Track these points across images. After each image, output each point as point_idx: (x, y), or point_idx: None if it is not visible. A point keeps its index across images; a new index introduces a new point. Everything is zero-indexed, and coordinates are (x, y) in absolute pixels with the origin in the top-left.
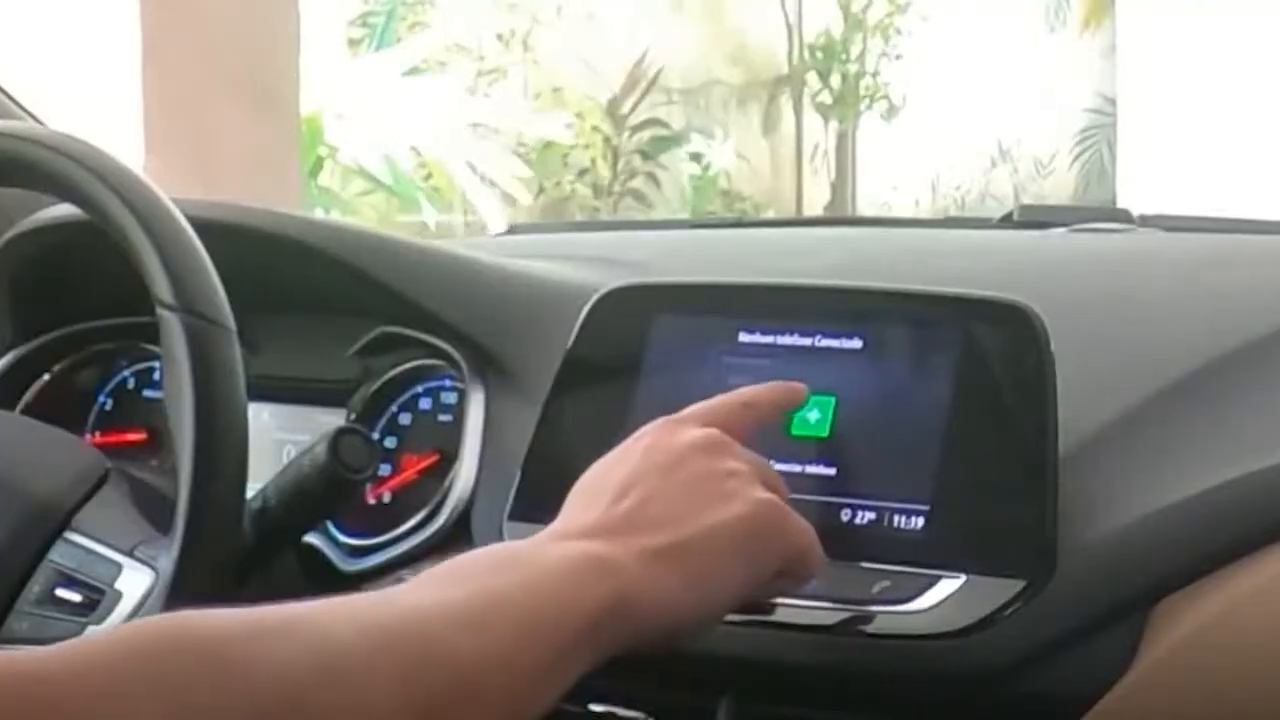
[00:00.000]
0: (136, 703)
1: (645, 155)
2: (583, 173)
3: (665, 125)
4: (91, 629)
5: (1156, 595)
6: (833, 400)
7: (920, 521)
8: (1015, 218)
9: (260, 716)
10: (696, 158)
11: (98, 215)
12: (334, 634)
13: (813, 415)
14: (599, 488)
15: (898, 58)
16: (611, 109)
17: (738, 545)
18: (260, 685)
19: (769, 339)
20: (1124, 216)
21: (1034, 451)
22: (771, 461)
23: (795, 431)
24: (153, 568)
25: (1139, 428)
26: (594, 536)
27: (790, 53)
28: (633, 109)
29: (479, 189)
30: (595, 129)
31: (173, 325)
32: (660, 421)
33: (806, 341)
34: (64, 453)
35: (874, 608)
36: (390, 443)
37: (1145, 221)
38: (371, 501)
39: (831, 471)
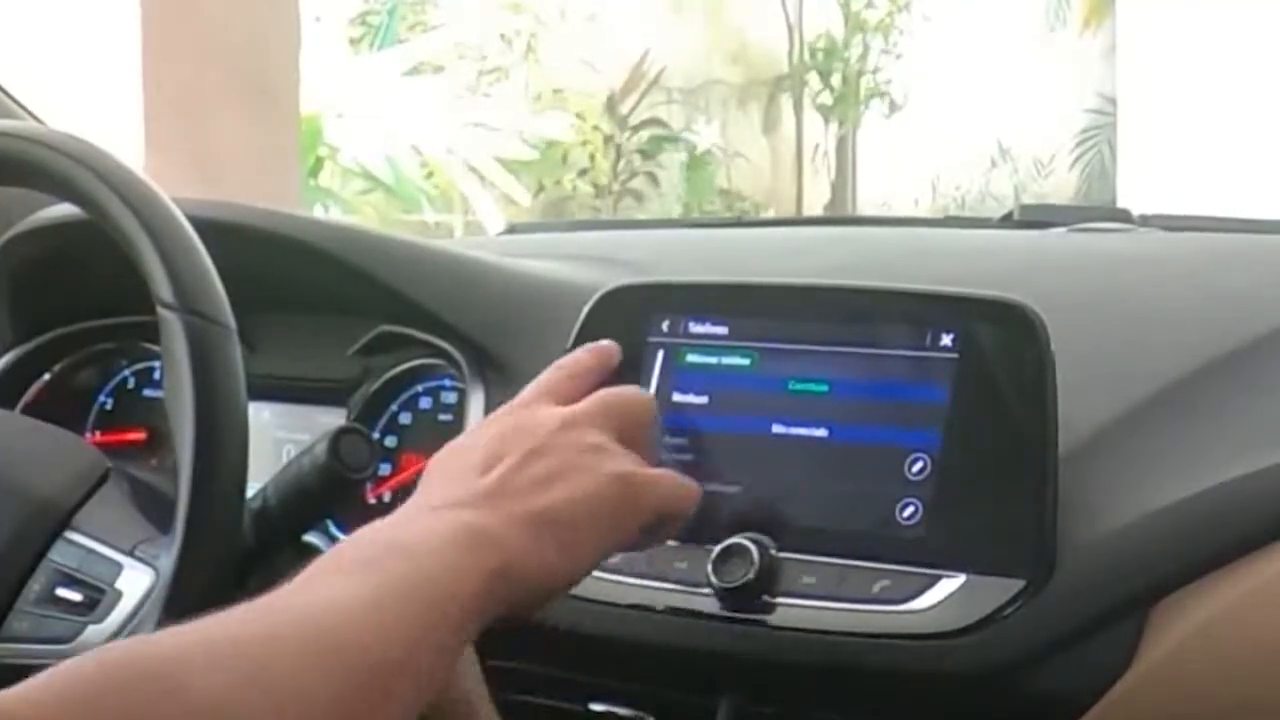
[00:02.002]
0: None
1: (645, 155)
2: (583, 172)
3: (665, 125)
4: (92, 628)
5: (1156, 595)
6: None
7: (920, 521)
8: (1015, 217)
9: None
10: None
11: (98, 215)
12: (261, 651)
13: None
14: (462, 464)
15: (898, 57)
16: (611, 108)
17: (600, 512)
18: (198, 709)
19: (769, 339)
20: (1124, 216)
21: (1034, 451)
22: (774, 427)
23: (795, 432)
24: (153, 567)
25: (1139, 428)
26: (464, 506)
27: (790, 52)
28: (633, 109)
29: (478, 189)
30: (596, 128)
31: (173, 325)
32: (511, 405)
33: (807, 341)
34: (64, 452)
35: (874, 607)
36: (390, 442)
37: (1145, 221)
38: (371, 501)
39: (832, 474)
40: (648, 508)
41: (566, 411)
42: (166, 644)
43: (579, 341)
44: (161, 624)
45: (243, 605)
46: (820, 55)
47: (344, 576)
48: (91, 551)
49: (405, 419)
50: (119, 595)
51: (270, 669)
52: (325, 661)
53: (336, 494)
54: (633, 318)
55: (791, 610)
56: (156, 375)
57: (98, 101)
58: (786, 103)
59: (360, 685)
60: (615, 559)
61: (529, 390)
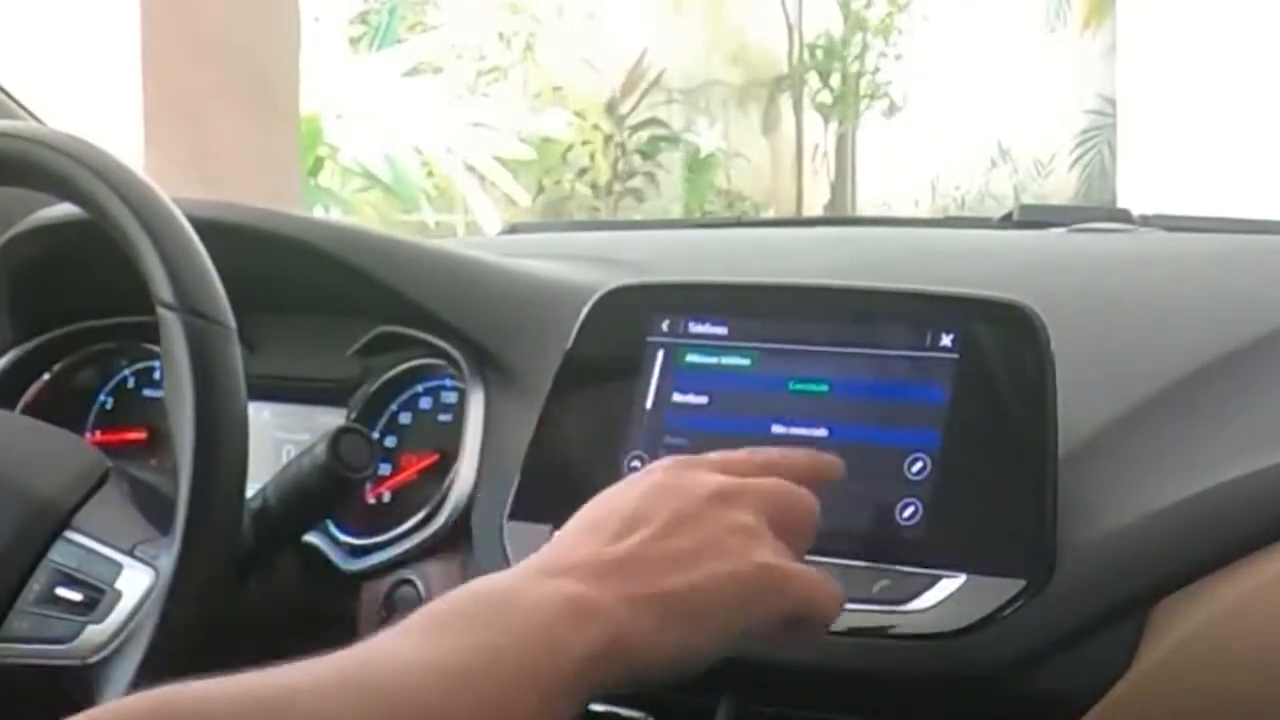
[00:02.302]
0: None
1: (645, 155)
2: (582, 172)
3: (665, 125)
4: (92, 628)
5: (1156, 595)
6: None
7: (920, 521)
8: (1015, 218)
9: None
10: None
11: (98, 214)
12: (331, 711)
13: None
14: (598, 520)
15: (898, 57)
16: (611, 108)
17: (734, 599)
18: None
19: (769, 339)
20: (1124, 216)
21: (1034, 451)
22: (774, 427)
23: (795, 432)
24: (153, 567)
25: (1139, 427)
26: (581, 577)
27: (790, 52)
28: (633, 109)
29: (478, 189)
30: (595, 127)
31: (173, 325)
32: (674, 460)
33: (807, 342)
34: (64, 452)
35: (874, 608)
36: (390, 442)
37: (1145, 221)
38: (371, 501)
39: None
40: (790, 601)
41: (723, 483)
42: (218, 695)
43: (579, 341)
44: (162, 624)
45: (325, 658)
46: (820, 55)
47: (427, 638)
48: (91, 551)
49: (405, 419)
50: (119, 595)
51: None
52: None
53: (336, 494)
54: (633, 318)
55: None
56: (156, 375)
57: (98, 101)
58: (786, 103)
59: None
60: None
61: (707, 455)
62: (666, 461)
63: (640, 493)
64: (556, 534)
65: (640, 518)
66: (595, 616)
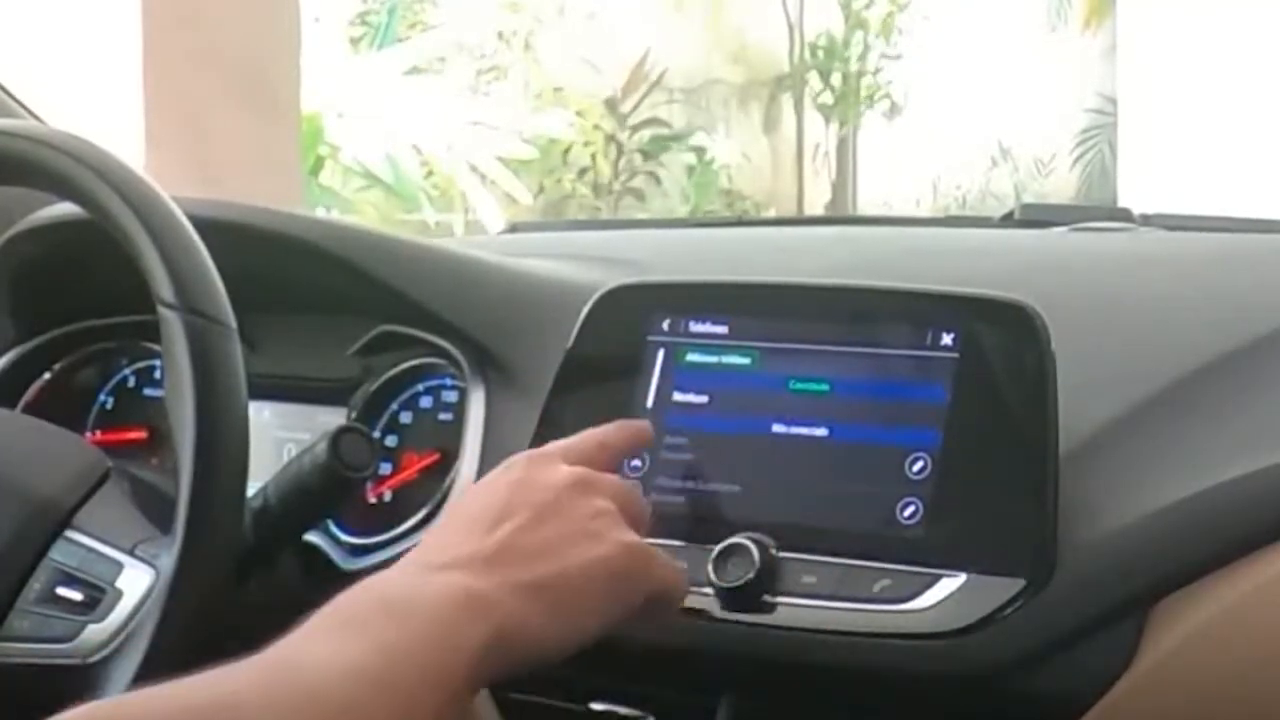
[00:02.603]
0: None
1: (646, 154)
2: (583, 171)
3: (666, 124)
4: (92, 627)
5: (1156, 595)
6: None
7: (920, 521)
8: (1016, 217)
9: None
10: (698, 151)
11: (98, 214)
12: (254, 716)
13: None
14: (469, 518)
15: (898, 57)
16: (612, 107)
17: (603, 583)
18: None
19: (770, 339)
20: (1125, 216)
21: (1034, 451)
22: (775, 426)
23: (795, 432)
24: (154, 566)
25: (1139, 427)
26: (466, 569)
27: (791, 52)
28: (634, 108)
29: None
30: (596, 127)
31: (173, 324)
32: (527, 455)
33: (808, 341)
34: (64, 452)
35: (874, 607)
36: (391, 441)
37: (1146, 221)
38: (372, 500)
39: (833, 473)
40: (654, 582)
41: (579, 472)
42: (152, 706)
43: (579, 341)
44: (162, 623)
45: (232, 664)
46: (821, 55)
47: (340, 638)
48: (92, 551)
49: (406, 418)
50: (119, 594)
51: None
52: None
53: (337, 493)
54: (633, 317)
55: (792, 610)
56: (157, 375)
57: (98, 101)
58: (787, 103)
59: None
60: None
61: (554, 445)
62: (520, 458)
63: (503, 488)
64: (429, 530)
65: (508, 511)
66: (486, 608)
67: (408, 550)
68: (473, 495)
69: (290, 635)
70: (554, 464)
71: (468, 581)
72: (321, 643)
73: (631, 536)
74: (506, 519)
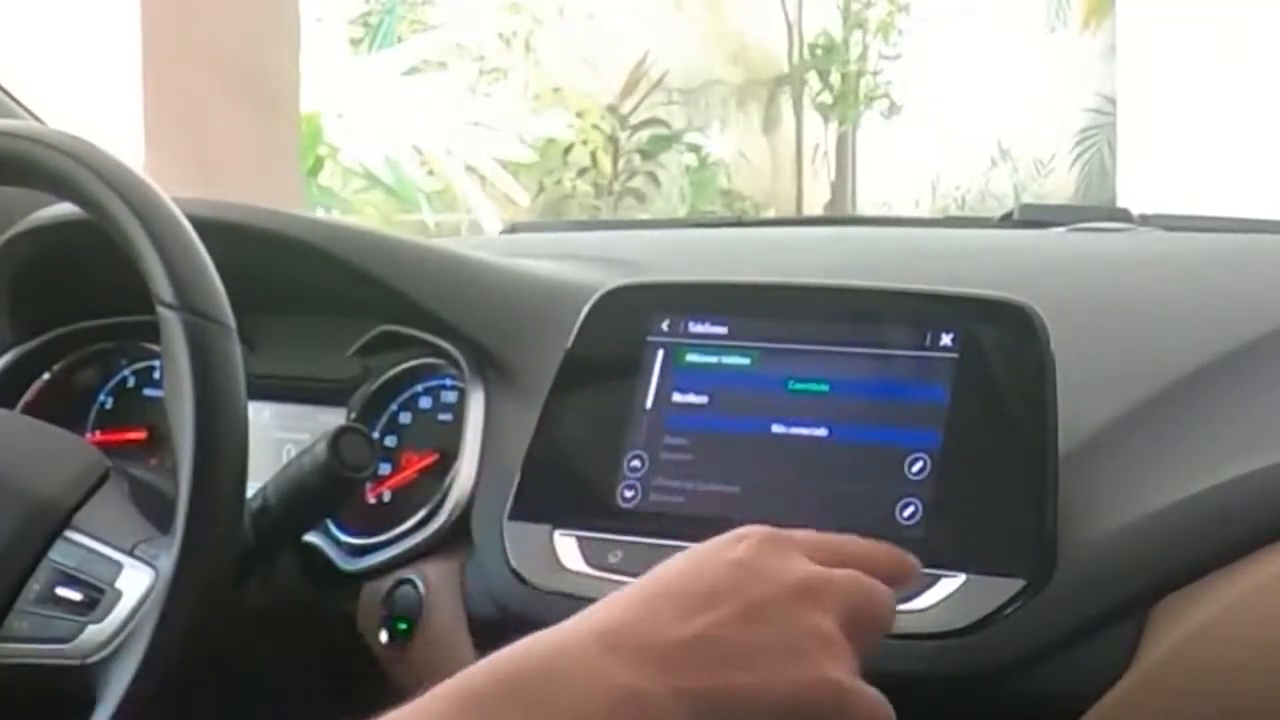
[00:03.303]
0: None
1: (645, 155)
2: (583, 171)
3: (665, 125)
4: (92, 628)
5: (1156, 595)
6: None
7: (920, 521)
8: (1015, 217)
9: None
10: (694, 149)
11: (98, 214)
12: None
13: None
14: (670, 589)
15: (897, 57)
16: (611, 108)
17: (783, 711)
18: None
19: (769, 339)
20: (1124, 216)
21: (1034, 451)
22: (774, 426)
23: (795, 432)
24: (153, 567)
25: (1139, 427)
26: (641, 663)
27: (790, 52)
28: (634, 109)
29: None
30: (595, 127)
31: (173, 324)
32: (764, 532)
33: (807, 341)
34: (64, 452)
35: None
36: (390, 442)
37: (1145, 221)
38: (371, 500)
39: (832, 474)
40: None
41: (814, 572)
42: None
43: (579, 341)
44: (162, 623)
45: None
46: (820, 55)
47: (471, 714)
48: (91, 551)
49: (405, 419)
50: (119, 595)
51: None
52: None
53: (337, 493)
54: (633, 317)
55: None
56: (156, 375)
57: (98, 101)
58: (786, 103)
59: None
60: (614, 558)
61: (796, 533)
62: (755, 533)
63: (722, 567)
64: (621, 592)
65: (717, 596)
66: (644, 716)
67: (408, 550)
68: (683, 563)
69: (409, 704)
70: (789, 554)
71: (634, 682)
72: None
73: (838, 671)
74: (711, 606)
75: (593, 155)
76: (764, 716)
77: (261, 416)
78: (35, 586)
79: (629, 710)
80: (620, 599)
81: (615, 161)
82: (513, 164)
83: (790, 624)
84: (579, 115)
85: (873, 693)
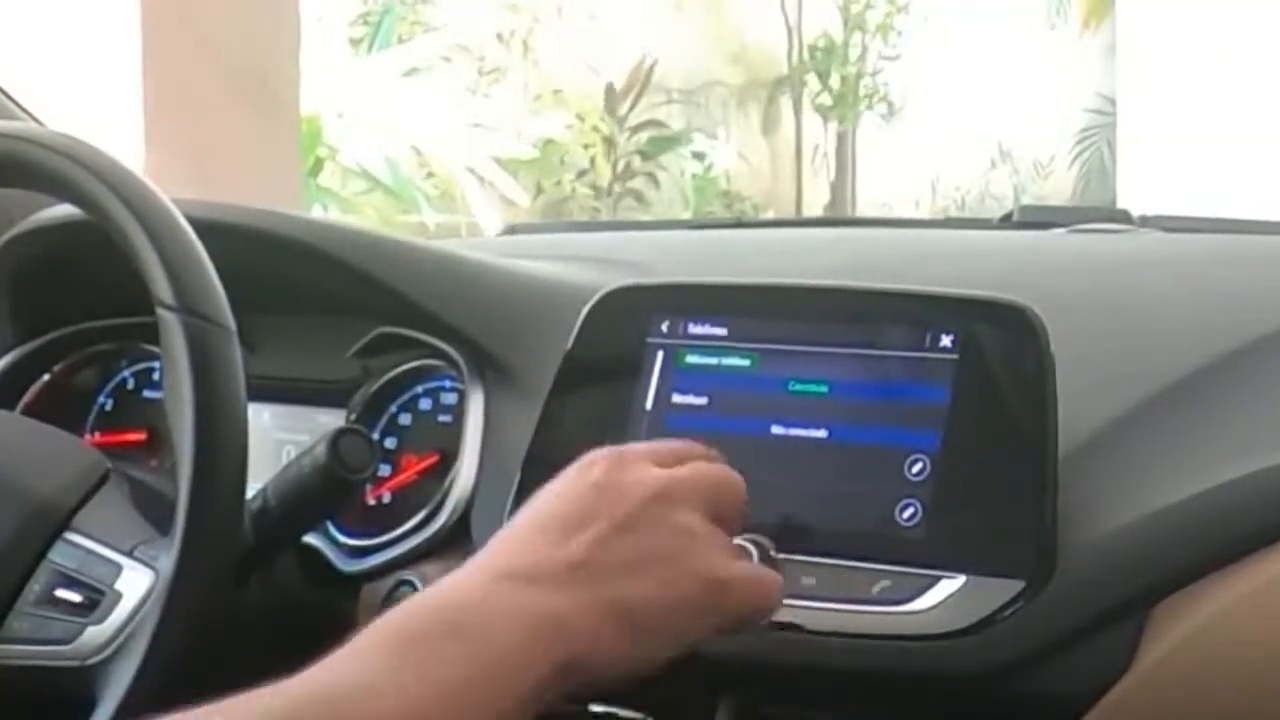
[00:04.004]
0: None
1: (645, 156)
2: (582, 173)
3: (664, 126)
4: (91, 629)
5: (1156, 595)
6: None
7: (920, 522)
8: (1015, 218)
9: None
10: (699, 156)
11: (97, 215)
12: None
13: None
14: (548, 521)
15: (896, 58)
16: (610, 106)
17: (681, 612)
18: None
19: (769, 340)
20: (1124, 217)
21: (1034, 451)
22: (774, 427)
23: (795, 433)
24: (153, 568)
25: (1139, 428)
26: (541, 582)
27: (790, 53)
28: (630, 109)
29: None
30: (595, 129)
31: (173, 325)
32: (610, 454)
33: (807, 343)
34: (64, 453)
35: (874, 608)
36: (390, 443)
37: (1145, 222)
38: (371, 502)
39: (832, 475)
40: (729, 616)
41: (664, 477)
42: None
43: (579, 342)
44: (161, 625)
45: (271, 687)
46: (819, 56)
47: (388, 660)
48: (91, 552)
49: (405, 420)
50: (119, 596)
51: None
52: None
53: (336, 495)
54: (633, 319)
55: (791, 611)
56: (156, 376)
57: (97, 101)
58: (786, 104)
59: None
60: None
61: (637, 447)
62: (602, 457)
63: (585, 491)
64: (500, 533)
65: (587, 519)
66: (562, 633)
67: (408, 551)
68: (548, 497)
69: (337, 653)
70: (637, 466)
71: (543, 601)
72: (369, 668)
73: (710, 562)
74: (584, 527)
75: (592, 158)
76: (664, 624)
77: (261, 418)
78: (35, 588)
79: (547, 629)
80: (501, 539)
81: (615, 164)
82: (512, 164)
83: (658, 529)
84: (579, 117)
85: (749, 572)
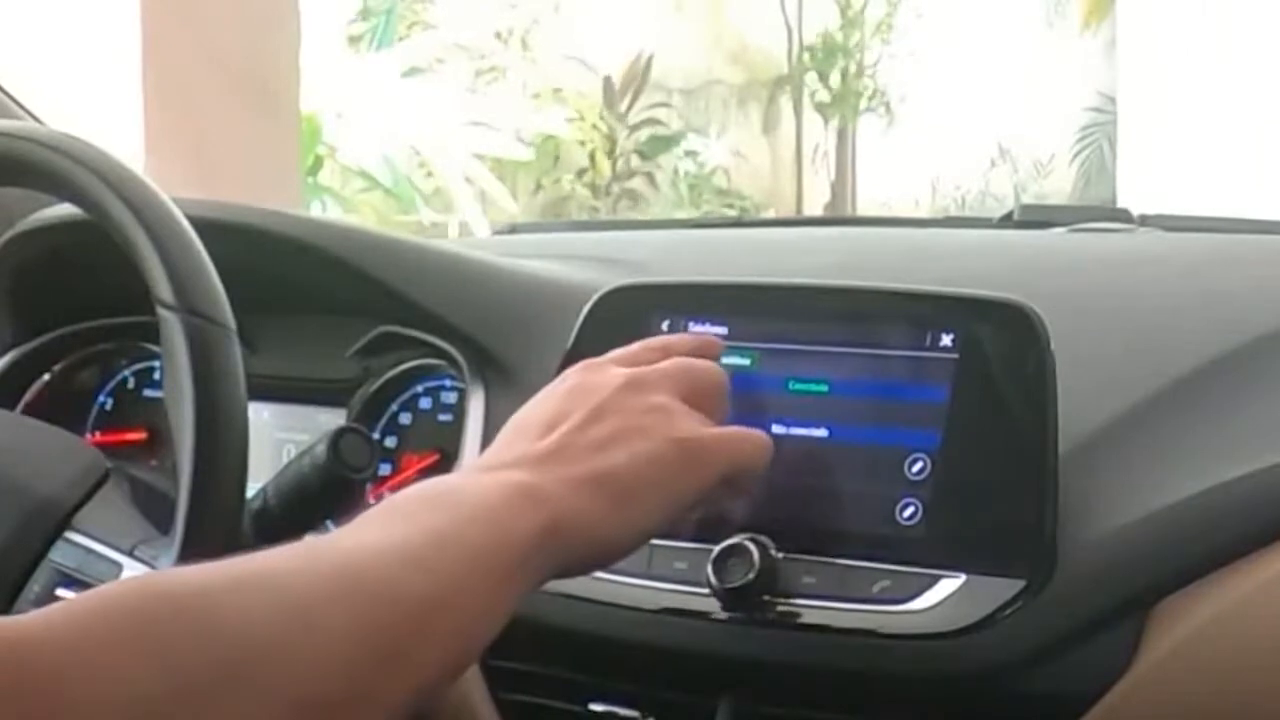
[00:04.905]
0: (109, 654)
1: (643, 155)
2: (581, 172)
3: (664, 125)
4: None
5: (1157, 595)
6: (833, 400)
7: (920, 521)
8: (1015, 217)
9: (229, 665)
10: (692, 154)
11: (98, 215)
12: (295, 583)
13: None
14: (524, 426)
15: (894, 57)
16: (609, 101)
17: (657, 479)
18: (229, 636)
19: (769, 339)
20: (1124, 216)
21: (1034, 451)
22: (774, 427)
23: (795, 432)
24: (153, 567)
25: (1139, 428)
26: (523, 466)
27: (790, 53)
28: (629, 107)
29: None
30: (594, 128)
31: (173, 325)
32: (582, 364)
33: (807, 342)
34: (64, 453)
35: (874, 608)
36: (390, 442)
37: (1145, 221)
38: (372, 501)
39: (832, 474)
40: (711, 472)
41: (633, 372)
42: (198, 575)
43: (579, 341)
44: None
45: (284, 547)
46: (819, 55)
47: (386, 525)
48: (91, 552)
49: (405, 419)
50: None
51: (302, 602)
52: (356, 597)
53: (337, 494)
54: (633, 318)
55: (792, 610)
56: (156, 375)
57: (98, 101)
58: (786, 103)
59: (392, 621)
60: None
61: (612, 353)
62: (574, 367)
63: (558, 396)
64: (488, 448)
65: (562, 414)
66: (538, 500)
67: None
68: (529, 406)
69: (348, 524)
70: (607, 368)
71: (520, 477)
72: (369, 527)
73: (683, 428)
74: (561, 422)
75: (591, 154)
76: (643, 490)
77: (261, 417)
78: (35, 587)
79: (520, 496)
80: (487, 451)
81: (614, 162)
82: (511, 164)
83: (630, 411)
84: (579, 116)
85: (731, 432)
